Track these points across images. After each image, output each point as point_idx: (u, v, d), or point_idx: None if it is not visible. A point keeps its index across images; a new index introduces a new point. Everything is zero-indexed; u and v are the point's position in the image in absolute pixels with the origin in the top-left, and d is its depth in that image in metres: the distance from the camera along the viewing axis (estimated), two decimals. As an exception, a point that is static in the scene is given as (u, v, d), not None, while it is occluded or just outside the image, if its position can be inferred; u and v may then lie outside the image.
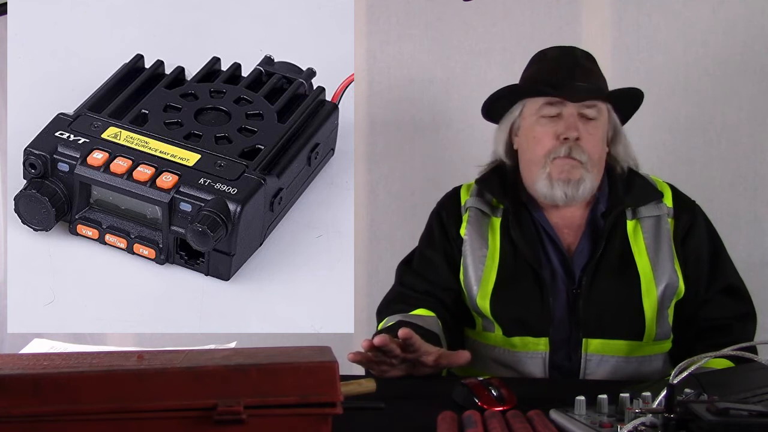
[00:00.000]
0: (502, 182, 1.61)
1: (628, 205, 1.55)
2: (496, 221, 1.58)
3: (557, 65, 1.56)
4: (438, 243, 1.62)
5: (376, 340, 1.25)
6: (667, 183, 1.61)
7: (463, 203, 1.63)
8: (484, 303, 1.53)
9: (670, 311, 1.55)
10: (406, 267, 1.65)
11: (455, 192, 1.67)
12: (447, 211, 1.64)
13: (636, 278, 1.50)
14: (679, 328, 1.56)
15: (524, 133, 1.57)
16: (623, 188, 1.57)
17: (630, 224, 1.54)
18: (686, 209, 1.58)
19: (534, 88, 1.55)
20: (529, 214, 1.57)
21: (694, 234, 1.56)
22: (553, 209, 1.56)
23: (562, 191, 1.51)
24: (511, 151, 1.62)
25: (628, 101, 1.60)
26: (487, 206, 1.60)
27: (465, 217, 1.60)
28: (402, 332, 1.27)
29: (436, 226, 1.64)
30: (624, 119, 1.61)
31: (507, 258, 1.54)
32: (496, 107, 1.62)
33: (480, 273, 1.55)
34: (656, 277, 1.50)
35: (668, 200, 1.57)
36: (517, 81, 1.64)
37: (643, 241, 1.53)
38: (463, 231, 1.59)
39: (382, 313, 1.59)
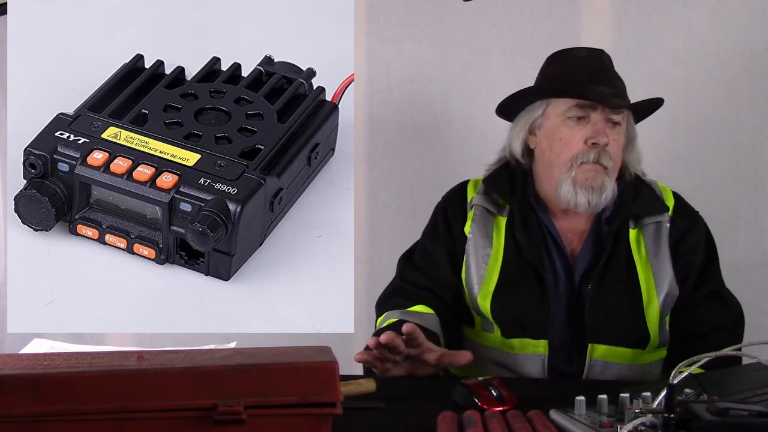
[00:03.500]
0: (510, 182, 1.59)
1: (634, 214, 1.54)
2: (502, 221, 1.58)
3: (588, 67, 1.54)
4: (441, 238, 1.61)
5: (383, 338, 1.26)
6: (673, 192, 1.61)
7: (469, 200, 1.61)
8: (484, 303, 1.53)
9: (667, 318, 1.55)
10: (407, 261, 1.64)
11: (462, 188, 1.65)
12: (452, 206, 1.62)
13: (637, 289, 1.50)
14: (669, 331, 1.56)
15: (547, 134, 1.54)
16: (631, 196, 1.56)
17: (632, 233, 1.54)
18: (685, 216, 1.57)
19: (570, 89, 1.51)
20: (535, 216, 1.56)
21: (689, 239, 1.55)
22: (560, 212, 1.56)
23: (586, 199, 1.49)
24: (527, 150, 1.60)
25: (648, 110, 1.60)
26: (493, 205, 1.59)
27: (470, 215, 1.59)
28: (406, 327, 1.28)
29: (441, 221, 1.62)
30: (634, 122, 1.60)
31: (510, 259, 1.54)
32: (515, 104, 1.59)
33: (482, 272, 1.54)
34: (657, 286, 1.50)
35: (670, 209, 1.57)
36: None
37: (645, 249, 1.52)
38: (467, 229, 1.58)
39: (381, 306, 1.58)
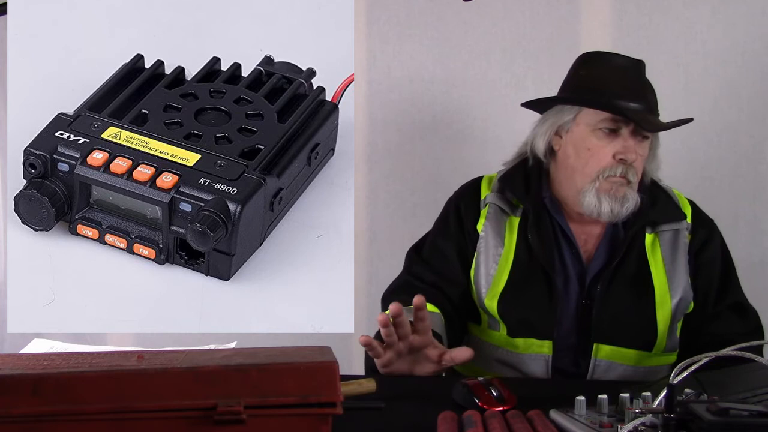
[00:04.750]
0: (526, 182, 1.58)
1: (651, 220, 1.54)
2: (515, 220, 1.56)
3: (625, 80, 1.51)
4: (452, 234, 1.59)
5: (391, 308, 1.25)
6: (688, 199, 1.61)
7: (483, 197, 1.60)
8: (491, 303, 1.52)
9: (679, 324, 1.55)
10: (416, 254, 1.62)
11: (476, 183, 1.63)
12: (465, 202, 1.61)
13: (651, 291, 1.50)
14: (685, 341, 1.56)
15: (574, 140, 1.53)
16: (648, 202, 1.55)
17: (648, 237, 1.53)
18: (704, 225, 1.58)
19: (607, 104, 1.48)
20: (549, 218, 1.56)
21: (708, 249, 1.56)
22: (576, 215, 1.55)
23: (609, 207, 1.49)
24: (550, 150, 1.58)
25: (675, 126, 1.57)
26: (507, 204, 1.58)
27: (483, 213, 1.58)
28: (416, 300, 1.27)
29: (453, 217, 1.61)
30: None
31: (521, 259, 1.53)
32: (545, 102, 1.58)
33: (492, 272, 1.53)
34: (671, 290, 1.50)
35: (688, 217, 1.57)
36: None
37: (660, 254, 1.52)
38: (480, 227, 1.57)
39: (386, 300, 1.57)
